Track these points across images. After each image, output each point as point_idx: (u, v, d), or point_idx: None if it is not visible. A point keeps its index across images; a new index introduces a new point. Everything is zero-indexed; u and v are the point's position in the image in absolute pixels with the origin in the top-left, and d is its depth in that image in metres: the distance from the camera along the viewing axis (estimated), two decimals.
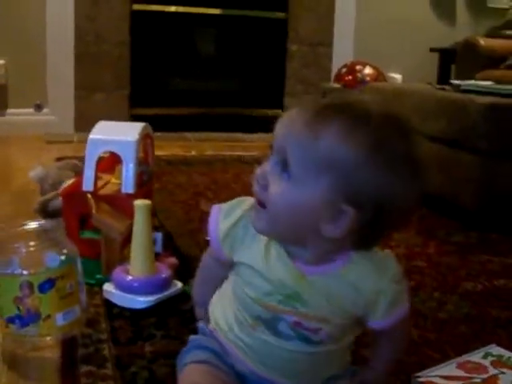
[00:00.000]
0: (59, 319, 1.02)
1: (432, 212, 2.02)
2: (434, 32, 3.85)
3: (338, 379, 0.83)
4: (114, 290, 1.21)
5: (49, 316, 1.01)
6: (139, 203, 1.21)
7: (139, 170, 1.38)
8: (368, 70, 3.40)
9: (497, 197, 1.86)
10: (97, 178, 1.35)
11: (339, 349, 0.82)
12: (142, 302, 1.19)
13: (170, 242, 1.56)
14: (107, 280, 1.24)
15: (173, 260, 1.35)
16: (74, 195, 1.37)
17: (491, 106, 1.81)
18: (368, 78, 3.34)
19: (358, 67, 3.42)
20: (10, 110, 3.23)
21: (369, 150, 0.68)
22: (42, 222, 1.19)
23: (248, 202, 0.80)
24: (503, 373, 0.94)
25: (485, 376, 0.93)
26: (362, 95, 0.79)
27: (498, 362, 0.97)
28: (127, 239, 1.26)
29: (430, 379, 0.92)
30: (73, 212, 1.36)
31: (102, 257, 1.30)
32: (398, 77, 3.85)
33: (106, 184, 1.43)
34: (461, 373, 0.94)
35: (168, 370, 0.95)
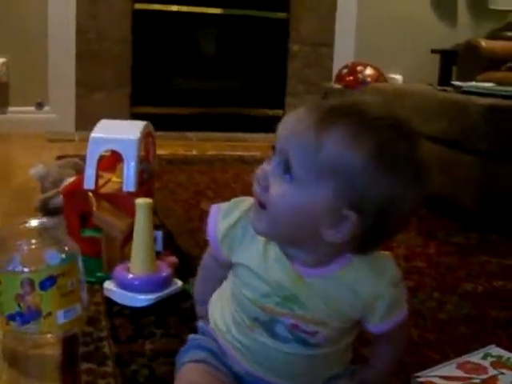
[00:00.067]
0: (60, 317, 1.02)
1: (432, 213, 2.02)
2: (435, 33, 3.85)
3: (338, 378, 0.83)
4: (114, 288, 1.21)
5: (50, 313, 1.01)
6: (140, 201, 1.21)
7: (140, 169, 1.38)
8: (369, 71, 3.40)
9: (497, 198, 1.86)
10: (98, 177, 1.35)
11: (337, 351, 0.82)
12: (142, 300, 1.19)
13: (171, 240, 1.56)
14: (108, 278, 1.25)
15: (173, 259, 1.35)
16: (75, 193, 1.37)
17: (492, 107, 1.82)
18: (369, 79, 3.34)
19: (358, 68, 3.42)
20: (11, 108, 3.23)
21: (373, 155, 0.67)
22: (43, 219, 1.19)
23: (247, 202, 0.80)
24: (503, 373, 0.94)
25: (484, 377, 0.93)
26: (363, 97, 0.79)
27: (498, 363, 0.97)
28: (128, 237, 1.27)
29: (429, 379, 0.92)
30: (73, 210, 1.36)
31: (102, 255, 1.30)
32: (398, 78, 3.85)
33: (106, 182, 1.43)
34: (460, 373, 0.94)
35: (168, 368, 0.95)
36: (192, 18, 3.49)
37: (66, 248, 1.06)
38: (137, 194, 1.31)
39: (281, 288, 0.76)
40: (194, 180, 2.35)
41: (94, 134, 1.37)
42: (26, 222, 1.09)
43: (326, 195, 0.69)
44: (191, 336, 0.90)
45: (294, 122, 0.71)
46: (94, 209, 1.31)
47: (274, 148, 0.74)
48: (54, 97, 3.27)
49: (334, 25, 3.73)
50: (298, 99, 3.60)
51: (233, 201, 0.82)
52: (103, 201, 1.34)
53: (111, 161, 1.47)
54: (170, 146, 2.91)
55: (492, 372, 0.94)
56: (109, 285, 1.23)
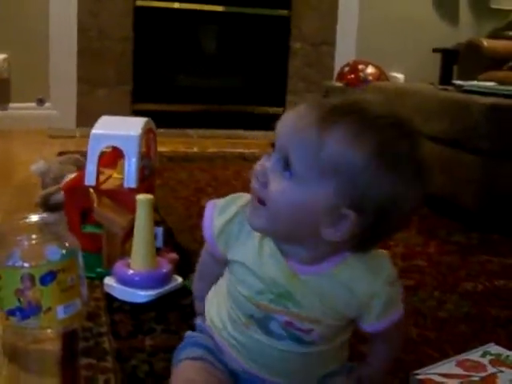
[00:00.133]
0: (60, 312, 1.02)
1: (433, 212, 2.02)
2: (436, 32, 3.85)
3: (335, 376, 0.83)
4: (114, 284, 1.21)
5: (49, 309, 1.01)
6: (141, 197, 1.21)
7: (141, 165, 1.38)
8: (370, 70, 3.40)
9: (498, 197, 1.86)
10: (99, 173, 1.35)
11: (332, 348, 0.82)
12: (142, 296, 1.19)
13: (171, 237, 1.56)
14: (108, 274, 1.25)
15: (173, 255, 1.35)
16: (76, 189, 1.37)
17: (493, 106, 1.82)
18: (370, 78, 3.34)
19: (360, 66, 3.42)
20: (12, 105, 3.23)
21: (375, 154, 0.67)
22: (44, 215, 1.19)
23: (243, 198, 0.80)
24: (502, 371, 0.94)
25: (483, 374, 0.93)
26: (364, 95, 0.79)
27: (497, 361, 0.97)
28: (129, 234, 1.27)
29: (428, 377, 0.92)
30: (74, 206, 1.36)
31: (103, 251, 1.30)
32: (400, 76, 3.85)
33: (107, 179, 1.43)
34: (459, 371, 0.94)
35: (167, 364, 0.95)
36: (193, 15, 3.49)
37: (67, 244, 1.06)
38: (138, 191, 1.31)
39: (275, 285, 0.76)
40: (195, 177, 2.35)
41: (94, 131, 1.37)
42: (26, 218, 1.09)
43: (327, 193, 0.68)
44: (188, 333, 0.90)
45: (294, 120, 0.71)
46: (95, 205, 1.31)
47: (273, 145, 0.73)
48: (55, 93, 3.27)
49: (335, 23, 3.73)
50: (299, 97, 3.60)
51: (229, 197, 0.82)
52: (104, 197, 1.34)
53: (112, 157, 1.47)
54: (170, 143, 2.91)
55: (491, 370, 0.94)
56: (109, 280, 1.23)
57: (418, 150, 0.71)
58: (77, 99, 3.30)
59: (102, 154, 1.37)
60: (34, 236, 1.04)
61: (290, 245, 0.75)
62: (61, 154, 2.35)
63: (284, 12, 3.63)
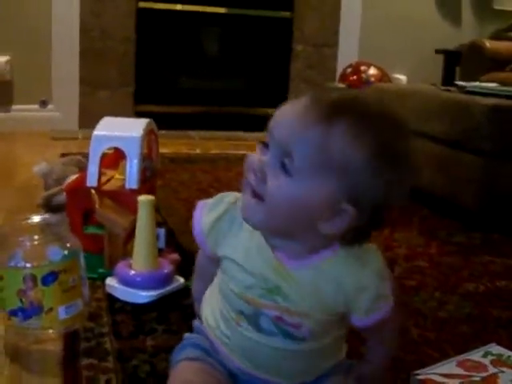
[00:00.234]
0: (62, 312, 1.03)
1: (434, 213, 2.02)
2: (439, 33, 3.85)
3: (333, 375, 0.83)
4: (116, 285, 1.22)
5: (51, 309, 1.02)
6: (143, 199, 1.21)
7: (143, 166, 1.39)
8: (373, 71, 3.40)
9: (499, 198, 1.86)
10: (101, 174, 1.36)
11: (325, 346, 0.81)
12: (144, 296, 1.19)
13: (173, 238, 1.56)
14: (110, 274, 1.25)
15: (175, 256, 1.35)
16: (78, 190, 1.37)
17: (495, 107, 1.82)
18: (372, 79, 3.34)
19: (362, 67, 3.42)
20: (15, 107, 3.24)
21: (376, 154, 0.69)
22: (46, 216, 1.20)
23: (232, 195, 0.80)
24: (503, 372, 0.94)
25: (484, 375, 0.93)
26: (360, 91, 0.80)
27: (498, 361, 0.97)
28: (130, 234, 1.27)
29: (429, 377, 0.92)
30: (76, 207, 1.37)
31: (105, 251, 1.31)
32: (402, 77, 3.85)
33: (109, 180, 1.43)
34: (460, 371, 0.94)
35: (169, 365, 0.96)
36: (196, 17, 3.49)
37: (68, 244, 1.06)
38: (139, 192, 1.31)
39: (264, 279, 0.76)
40: (197, 178, 2.35)
41: (96, 132, 1.38)
42: (28, 218, 1.09)
43: (328, 189, 0.69)
44: (187, 335, 0.91)
45: (294, 116, 0.71)
46: (97, 206, 1.32)
47: (269, 135, 0.72)
48: (58, 95, 3.28)
49: (337, 25, 3.73)
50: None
51: (218, 195, 0.83)
52: (106, 198, 1.35)
53: (114, 158, 1.47)
54: (173, 144, 2.91)
55: (492, 370, 0.94)
56: (111, 281, 1.23)
57: (411, 149, 0.73)
58: (79, 101, 3.30)
59: (104, 156, 1.37)
60: (36, 237, 1.04)
61: (282, 239, 0.76)
62: (63, 155, 2.35)
63: (286, 14, 3.63)
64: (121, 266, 1.23)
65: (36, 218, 1.10)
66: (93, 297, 1.19)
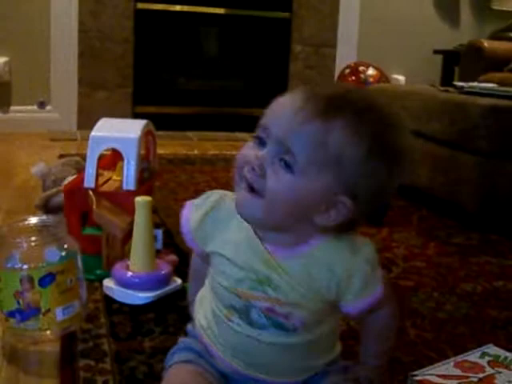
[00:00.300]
0: (59, 314, 1.03)
1: (432, 213, 2.03)
2: (437, 34, 3.85)
3: (329, 375, 0.83)
4: (113, 286, 1.21)
5: (49, 310, 1.02)
6: (140, 200, 1.21)
7: (140, 167, 1.39)
8: (371, 71, 3.40)
9: (497, 198, 1.86)
10: (98, 175, 1.36)
11: (317, 340, 0.81)
12: (141, 297, 1.19)
13: (170, 239, 1.56)
14: (107, 276, 1.25)
15: (173, 257, 1.35)
16: (76, 192, 1.37)
17: (493, 107, 1.82)
18: (371, 79, 3.35)
19: (361, 68, 3.42)
20: (13, 108, 3.24)
21: (373, 149, 0.71)
22: (44, 217, 1.20)
23: (218, 193, 0.82)
24: (500, 372, 0.94)
25: (481, 375, 0.93)
26: (352, 85, 0.82)
27: (495, 362, 0.97)
28: (128, 236, 1.27)
29: (426, 378, 0.92)
30: (74, 208, 1.37)
31: (102, 253, 1.31)
32: (401, 78, 3.86)
33: (107, 181, 1.43)
34: (458, 372, 0.94)
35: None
36: (194, 17, 3.50)
37: (66, 246, 1.06)
38: (137, 193, 1.31)
39: (254, 271, 0.76)
40: (195, 179, 2.35)
41: (94, 133, 1.38)
42: (25, 220, 1.09)
43: (326, 183, 0.71)
44: (181, 339, 0.91)
45: (290, 111, 0.71)
46: (94, 207, 1.32)
47: (264, 127, 0.73)
48: (56, 96, 3.28)
49: (336, 25, 3.73)
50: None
51: (204, 194, 0.84)
52: (103, 199, 1.35)
53: (112, 159, 1.47)
54: (171, 145, 2.92)
55: (489, 371, 0.94)
56: (108, 282, 1.23)
57: (409, 144, 0.76)
58: (78, 101, 3.31)
59: (102, 157, 1.37)
60: (33, 238, 1.04)
61: (275, 232, 0.76)
62: (62, 156, 2.36)
63: (285, 14, 3.64)
64: (118, 268, 1.23)
65: (33, 219, 1.10)
66: (90, 298, 1.19)
